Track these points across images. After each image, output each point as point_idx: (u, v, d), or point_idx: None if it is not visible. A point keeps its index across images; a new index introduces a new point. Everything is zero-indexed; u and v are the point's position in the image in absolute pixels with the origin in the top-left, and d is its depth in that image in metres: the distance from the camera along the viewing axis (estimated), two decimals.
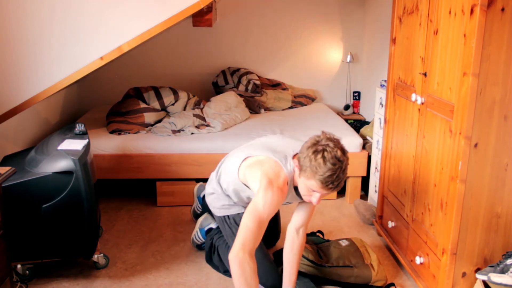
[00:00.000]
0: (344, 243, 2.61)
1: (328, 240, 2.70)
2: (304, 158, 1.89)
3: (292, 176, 2.05)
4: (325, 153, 1.85)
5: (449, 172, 2.00)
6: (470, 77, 1.82)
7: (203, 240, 2.72)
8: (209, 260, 2.58)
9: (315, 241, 2.69)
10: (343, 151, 1.91)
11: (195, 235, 2.76)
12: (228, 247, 2.41)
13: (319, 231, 2.87)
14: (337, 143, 1.91)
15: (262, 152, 2.14)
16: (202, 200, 2.85)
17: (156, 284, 2.44)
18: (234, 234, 2.22)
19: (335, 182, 1.88)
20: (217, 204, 2.41)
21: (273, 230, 2.64)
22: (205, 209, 2.80)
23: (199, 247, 2.76)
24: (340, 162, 1.87)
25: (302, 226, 2.24)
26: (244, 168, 2.16)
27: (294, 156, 2.07)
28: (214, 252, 2.53)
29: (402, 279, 2.50)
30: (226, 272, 2.47)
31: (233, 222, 2.36)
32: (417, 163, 2.36)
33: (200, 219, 2.78)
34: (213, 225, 2.71)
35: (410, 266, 2.43)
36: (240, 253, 1.85)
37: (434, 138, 2.16)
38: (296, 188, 2.10)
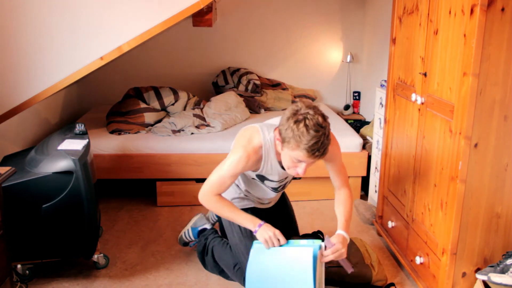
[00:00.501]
0: None
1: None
2: (286, 129, 1.86)
3: (268, 146, 2.06)
4: (307, 121, 1.83)
5: (449, 172, 2.00)
6: (470, 77, 1.82)
7: (193, 239, 2.71)
8: (202, 261, 2.56)
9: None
10: (324, 116, 1.89)
11: (185, 233, 2.73)
12: (225, 247, 2.41)
13: (319, 231, 2.87)
14: (316, 110, 1.89)
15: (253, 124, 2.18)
16: (198, 234, 2.69)
17: (156, 284, 2.44)
18: (243, 237, 2.26)
19: (321, 150, 1.85)
20: (228, 197, 2.30)
21: (290, 228, 2.54)
22: (202, 247, 2.56)
23: (186, 244, 2.75)
24: (322, 128, 1.85)
25: (342, 187, 2.25)
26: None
27: (276, 129, 2.02)
28: (207, 253, 2.50)
29: (402, 279, 2.50)
30: (222, 273, 2.46)
31: None
32: (417, 163, 2.36)
33: (195, 218, 2.74)
34: (208, 226, 2.69)
35: (410, 266, 2.43)
36: (201, 196, 2.11)
37: (434, 138, 2.16)
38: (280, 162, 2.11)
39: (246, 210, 2.28)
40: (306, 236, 2.58)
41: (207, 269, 2.53)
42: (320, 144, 1.84)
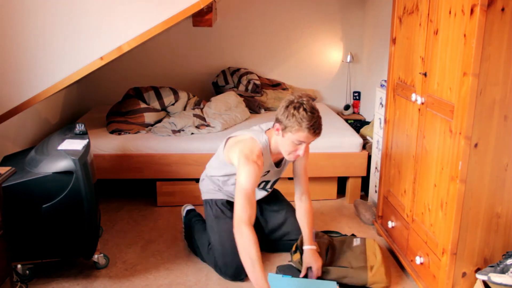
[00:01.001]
0: (356, 242, 2.64)
1: (345, 235, 2.76)
2: (287, 117, 2.17)
3: (267, 147, 2.35)
4: (305, 106, 2.16)
5: (449, 172, 2.00)
6: (470, 77, 1.82)
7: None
8: (189, 242, 2.77)
9: (332, 236, 2.74)
10: (313, 101, 2.27)
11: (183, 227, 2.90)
12: (203, 228, 2.66)
13: (353, 234, 2.86)
14: (308, 97, 2.23)
15: (241, 132, 2.46)
16: (186, 215, 2.89)
17: (156, 284, 2.44)
18: (212, 219, 2.54)
19: (319, 128, 2.20)
20: (206, 188, 2.64)
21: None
22: (187, 228, 2.80)
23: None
24: (317, 111, 2.21)
25: (303, 194, 2.53)
26: (228, 149, 2.42)
27: (266, 132, 2.39)
28: (190, 234, 2.73)
29: (402, 279, 2.50)
30: (201, 257, 2.64)
31: (215, 205, 2.58)
32: (417, 163, 2.36)
33: (183, 206, 2.97)
34: (190, 207, 2.95)
35: (410, 266, 2.43)
36: (237, 225, 2.08)
37: (434, 138, 2.16)
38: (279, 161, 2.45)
39: (220, 200, 2.57)
40: (323, 233, 2.75)
41: (192, 250, 2.72)
42: (318, 123, 2.19)
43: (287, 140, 2.22)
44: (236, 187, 2.19)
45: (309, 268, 2.42)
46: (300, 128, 2.15)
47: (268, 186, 2.63)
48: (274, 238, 2.71)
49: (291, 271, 2.49)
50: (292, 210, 2.70)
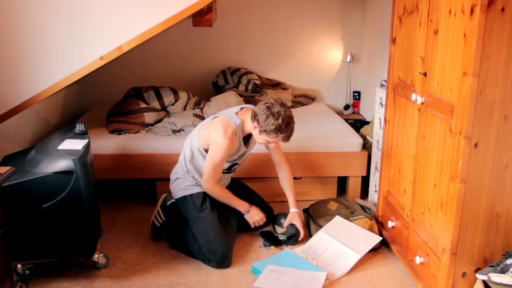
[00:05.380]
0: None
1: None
2: (266, 124, 2.49)
3: (239, 129, 2.64)
4: (282, 117, 2.49)
5: (449, 172, 2.00)
6: (470, 77, 1.82)
7: (164, 219, 2.86)
8: (168, 236, 2.85)
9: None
10: (288, 108, 2.57)
11: (155, 216, 2.90)
12: (187, 223, 2.74)
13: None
14: (284, 105, 2.54)
15: (212, 116, 2.72)
16: (167, 209, 2.90)
17: (156, 284, 2.44)
18: (193, 212, 2.67)
19: (292, 134, 2.58)
20: (181, 186, 2.75)
21: (266, 210, 2.97)
22: (168, 220, 2.86)
23: (156, 231, 2.87)
24: (292, 120, 2.56)
25: (280, 163, 2.90)
26: (202, 133, 2.66)
27: (238, 114, 2.68)
28: (173, 229, 2.82)
29: (402, 279, 2.50)
30: (183, 249, 2.73)
31: (195, 199, 2.70)
32: (417, 163, 2.36)
33: (162, 197, 2.98)
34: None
35: (410, 266, 2.43)
36: (206, 185, 2.64)
37: (434, 138, 2.16)
38: (245, 138, 2.75)
39: (197, 194, 2.71)
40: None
41: (169, 244, 2.81)
42: (292, 131, 2.57)
43: (261, 137, 2.59)
44: (207, 159, 2.60)
45: (292, 226, 2.82)
46: (276, 135, 2.53)
47: (235, 167, 2.86)
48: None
49: (272, 236, 2.86)
50: (258, 196, 3.03)
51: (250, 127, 2.63)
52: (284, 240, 2.80)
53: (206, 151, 2.66)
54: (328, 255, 2.63)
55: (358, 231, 2.75)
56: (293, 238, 2.79)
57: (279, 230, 2.90)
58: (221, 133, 2.55)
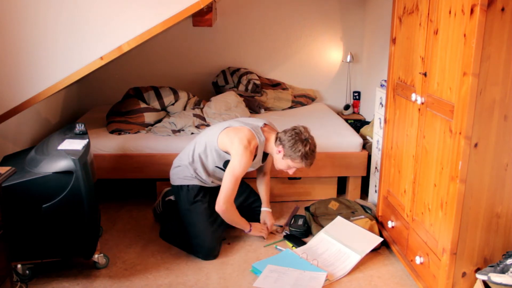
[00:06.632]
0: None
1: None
2: (294, 151, 2.59)
3: (262, 146, 2.69)
4: (309, 146, 2.60)
5: (449, 172, 2.00)
6: (470, 77, 1.82)
7: (162, 211, 3.05)
8: (163, 228, 2.93)
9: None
10: (313, 138, 2.67)
11: (158, 204, 3.10)
12: (178, 219, 2.83)
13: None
14: (310, 135, 2.65)
15: (239, 124, 2.72)
16: (165, 204, 3.09)
17: (156, 284, 2.44)
18: (185, 203, 2.74)
19: (314, 161, 2.68)
20: (181, 174, 2.79)
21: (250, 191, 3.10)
22: (164, 212, 3.05)
23: (157, 216, 3.09)
24: (316, 148, 2.66)
25: (265, 173, 3.03)
26: (223, 136, 2.67)
27: (261, 128, 2.72)
28: (169, 222, 2.91)
29: (402, 279, 2.50)
30: (179, 244, 2.80)
31: (190, 191, 2.75)
32: (417, 163, 2.36)
33: (164, 190, 3.13)
34: (172, 198, 3.05)
35: (410, 266, 2.43)
36: (224, 206, 2.62)
37: (434, 138, 2.16)
38: (264, 155, 2.81)
39: (194, 186, 2.76)
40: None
41: (163, 237, 2.89)
42: (314, 159, 2.67)
43: (284, 162, 2.67)
44: (228, 170, 2.60)
45: (298, 221, 2.97)
46: (301, 162, 2.61)
47: None
48: (245, 207, 3.01)
49: (294, 238, 2.89)
50: (250, 187, 3.10)
51: (272, 148, 2.69)
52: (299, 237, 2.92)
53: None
54: (329, 255, 2.63)
55: (358, 232, 2.75)
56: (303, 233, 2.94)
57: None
58: (245, 145, 2.58)
